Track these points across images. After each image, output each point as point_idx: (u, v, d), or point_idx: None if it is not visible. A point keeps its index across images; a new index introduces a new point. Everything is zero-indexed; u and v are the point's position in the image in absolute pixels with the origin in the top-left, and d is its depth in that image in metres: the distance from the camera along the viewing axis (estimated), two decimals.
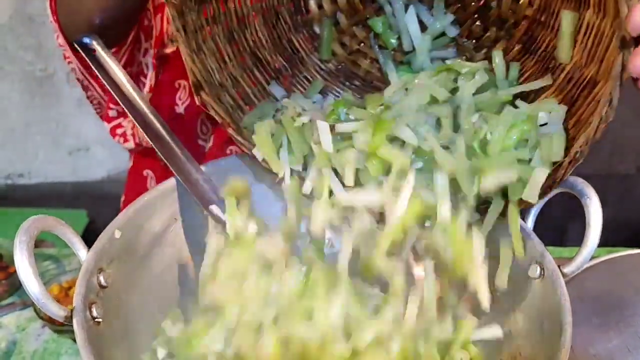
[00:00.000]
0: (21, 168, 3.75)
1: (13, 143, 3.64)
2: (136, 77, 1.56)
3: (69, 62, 1.49)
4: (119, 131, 1.69)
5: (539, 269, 1.11)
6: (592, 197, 1.04)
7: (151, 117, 1.21)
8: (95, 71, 1.20)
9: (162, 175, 1.64)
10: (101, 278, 1.06)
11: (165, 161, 1.22)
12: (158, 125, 1.20)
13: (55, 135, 3.63)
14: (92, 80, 1.54)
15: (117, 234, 1.13)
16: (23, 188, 3.49)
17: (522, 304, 1.13)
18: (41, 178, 3.73)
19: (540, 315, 1.08)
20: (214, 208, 1.23)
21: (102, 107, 1.65)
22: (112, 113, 1.66)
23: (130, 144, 1.68)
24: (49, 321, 1.60)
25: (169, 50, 1.48)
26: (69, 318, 0.96)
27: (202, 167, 1.24)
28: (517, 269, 1.16)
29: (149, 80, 1.55)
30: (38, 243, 1.99)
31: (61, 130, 3.62)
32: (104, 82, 1.19)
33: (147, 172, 1.81)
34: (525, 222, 1.17)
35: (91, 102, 1.66)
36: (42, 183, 3.73)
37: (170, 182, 1.25)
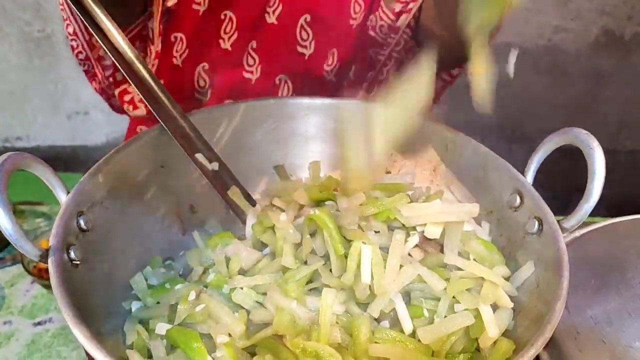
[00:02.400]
0: (19, 131, 3.71)
1: (11, 106, 3.60)
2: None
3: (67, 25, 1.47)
4: (127, 97, 1.65)
5: (537, 224, 1.06)
6: (594, 147, 1.00)
7: (136, 62, 1.16)
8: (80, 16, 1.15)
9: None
10: (81, 221, 1.02)
11: (150, 107, 1.18)
12: (143, 70, 1.16)
13: (54, 98, 3.58)
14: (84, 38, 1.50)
15: (100, 178, 1.09)
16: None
17: (520, 260, 1.09)
18: (39, 141, 3.69)
19: (537, 270, 1.03)
20: (199, 156, 1.19)
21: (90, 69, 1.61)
22: (118, 76, 1.62)
23: (142, 111, 1.65)
24: (38, 277, 1.58)
25: (170, 3, 1.43)
26: (44, 258, 0.93)
27: (189, 116, 1.21)
28: (516, 224, 1.12)
29: (155, 46, 1.51)
30: (35, 204, 1.97)
31: (60, 93, 3.57)
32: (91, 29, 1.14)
33: (141, 128, 1.76)
34: (525, 176, 1.13)
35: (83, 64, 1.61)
36: (41, 146, 3.70)
37: (157, 129, 1.20)
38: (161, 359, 0.95)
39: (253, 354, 0.97)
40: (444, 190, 1.25)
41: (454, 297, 1.01)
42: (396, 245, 1.03)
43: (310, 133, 1.34)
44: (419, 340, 0.96)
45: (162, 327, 1.00)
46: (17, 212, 1.53)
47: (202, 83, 1.62)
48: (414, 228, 1.08)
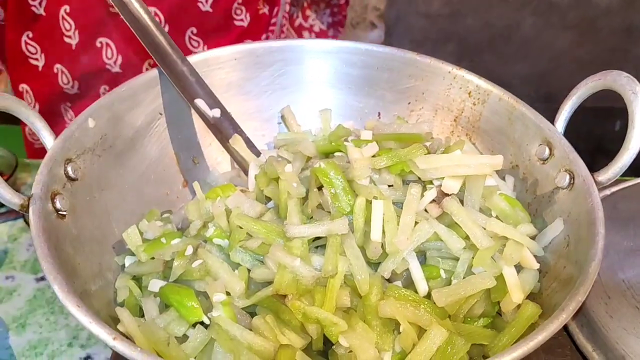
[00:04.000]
0: None
1: None
2: None
3: None
4: None
5: (568, 177, 0.97)
6: (637, 92, 0.89)
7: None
8: None
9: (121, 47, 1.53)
10: (69, 169, 0.94)
11: (147, 48, 1.09)
12: (138, 7, 1.07)
13: None
14: None
15: (91, 123, 1.00)
16: None
17: (547, 217, 1.00)
18: None
19: (567, 228, 0.94)
20: (199, 102, 1.10)
21: None
22: None
23: None
24: None
25: None
26: (26, 207, 0.85)
27: (189, 59, 1.12)
28: (544, 178, 1.02)
29: None
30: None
31: None
32: None
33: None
34: (554, 125, 1.02)
35: None
36: None
37: (153, 73, 1.11)
38: (153, 318, 0.87)
39: (253, 314, 0.89)
40: (465, 141, 1.15)
41: (473, 257, 0.92)
42: (411, 200, 0.93)
43: (321, 79, 1.24)
44: (434, 303, 0.87)
45: (155, 284, 0.92)
46: (20, 165, 1.46)
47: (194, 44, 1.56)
48: (431, 182, 0.99)
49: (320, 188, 0.97)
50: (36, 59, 1.55)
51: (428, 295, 0.90)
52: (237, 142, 1.12)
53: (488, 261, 0.89)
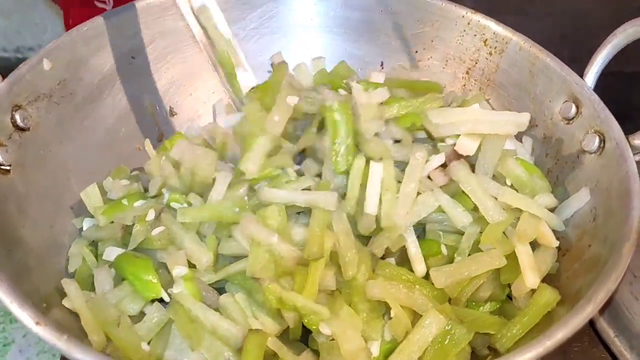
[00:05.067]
0: (31, 41, 3.50)
1: (21, 14, 3.37)
2: None
3: None
4: None
5: (597, 139, 0.82)
6: None
7: None
8: None
9: None
10: (17, 117, 0.82)
11: None
12: None
13: None
14: None
15: (47, 65, 0.87)
16: None
17: (570, 186, 0.86)
18: None
19: (595, 199, 0.80)
20: None
21: None
22: None
23: None
24: None
25: None
26: None
27: None
28: (568, 140, 0.88)
29: None
30: None
31: None
32: None
33: None
34: (584, 79, 0.88)
35: None
36: None
37: (126, 10, 0.97)
38: (105, 293, 0.75)
39: (222, 292, 0.77)
40: (478, 95, 1.01)
41: (481, 231, 0.78)
42: (415, 165, 0.79)
43: (316, 23, 1.09)
44: (432, 284, 0.74)
45: (111, 252, 0.80)
46: None
47: None
48: (442, 140, 0.85)
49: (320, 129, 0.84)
50: None
51: (426, 276, 0.77)
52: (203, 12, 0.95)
53: (499, 237, 0.76)
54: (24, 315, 0.58)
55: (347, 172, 0.80)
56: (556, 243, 0.79)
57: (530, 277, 0.74)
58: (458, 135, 0.84)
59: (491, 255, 0.75)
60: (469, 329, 0.70)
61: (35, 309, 0.59)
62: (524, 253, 0.76)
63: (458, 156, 0.85)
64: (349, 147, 0.80)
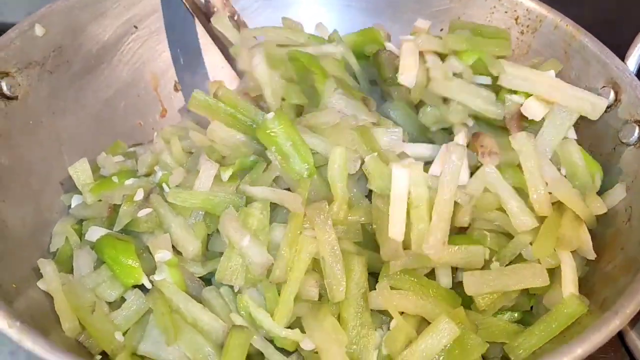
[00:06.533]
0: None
1: None
2: None
3: None
4: None
5: (638, 130, 0.74)
6: None
7: None
8: None
9: None
10: (3, 85, 0.76)
11: None
12: None
13: None
14: None
15: (39, 31, 0.81)
16: None
17: (605, 181, 0.77)
18: None
19: (631, 197, 0.71)
20: None
21: None
22: None
23: None
24: None
25: None
26: None
27: None
28: (603, 131, 0.79)
29: None
30: None
31: None
32: None
33: None
34: (626, 62, 0.79)
35: None
36: None
37: None
38: (82, 277, 0.69)
39: (210, 283, 0.70)
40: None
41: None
42: (451, 173, 0.67)
43: None
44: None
45: (94, 233, 0.74)
46: None
47: None
48: (511, 92, 0.78)
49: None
50: None
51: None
52: (219, 22, 0.91)
53: (551, 250, 0.67)
54: None
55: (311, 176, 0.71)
56: (594, 256, 0.71)
57: (569, 288, 0.66)
58: (527, 96, 0.77)
59: (534, 271, 0.66)
60: (484, 337, 0.63)
61: None
62: (567, 263, 0.68)
63: (518, 119, 0.77)
64: (298, 151, 0.71)
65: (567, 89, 0.76)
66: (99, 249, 0.70)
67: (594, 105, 0.75)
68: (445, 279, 0.69)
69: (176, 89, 1.00)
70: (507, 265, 0.69)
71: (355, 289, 0.64)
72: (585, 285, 0.69)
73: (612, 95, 0.78)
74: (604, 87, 0.79)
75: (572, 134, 0.80)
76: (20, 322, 0.51)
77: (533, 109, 0.75)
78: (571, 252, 0.70)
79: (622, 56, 0.81)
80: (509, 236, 0.71)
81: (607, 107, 0.78)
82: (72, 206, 0.81)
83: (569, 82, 0.84)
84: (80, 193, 0.82)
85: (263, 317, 0.63)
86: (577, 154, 0.76)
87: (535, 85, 0.75)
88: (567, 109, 0.75)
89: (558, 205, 0.71)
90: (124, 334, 0.65)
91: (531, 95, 0.76)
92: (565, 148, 0.76)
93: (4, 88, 0.76)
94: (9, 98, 0.77)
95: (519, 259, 0.69)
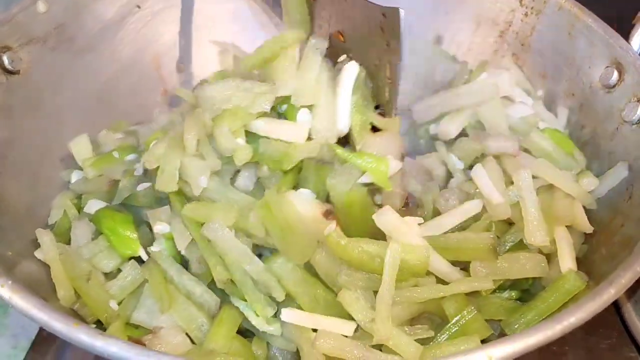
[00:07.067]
0: None
1: None
2: None
3: None
4: None
5: None
6: None
7: None
8: None
9: None
10: (5, 59, 0.76)
11: None
12: None
13: None
14: None
15: (42, 7, 0.81)
16: None
17: (606, 161, 0.76)
18: None
19: (633, 175, 0.70)
20: None
21: None
22: None
23: None
24: None
25: None
26: None
27: None
28: (606, 110, 0.78)
29: None
30: None
31: None
32: None
33: None
34: (629, 42, 0.78)
35: None
36: None
37: None
38: (79, 247, 0.69)
39: None
40: (509, 62, 0.92)
41: None
42: None
43: None
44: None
45: (93, 205, 0.74)
46: None
47: None
48: None
49: None
50: None
51: None
52: None
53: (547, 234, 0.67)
54: None
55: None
56: (590, 229, 0.70)
57: (568, 264, 0.66)
58: None
59: (535, 261, 0.67)
60: (483, 315, 0.63)
61: None
62: (563, 239, 0.68)
63: None
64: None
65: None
66: (97, 221, 0.70)
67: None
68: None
69: (179, 70, 1.00)
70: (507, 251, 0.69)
71: None
72: (584, 264, 0.68)
73: (615, 74, 0.77)
74: (607, 67, 0.78)
75: (526, 110, 0.82)
76: (12, 281, 0.51)
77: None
78: (568, 230, 0.70)
79: (625, 31, 0.80)
80: (511, 223, 0.71)
81: (611, 87, 0.78)
82: (72, 181, 0.81)
83: (572, 62, 0.85)
84: (79, 169, 0.82)
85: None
86: (544, 141, 0.76)
87: None
88: None
89: (547, 188, 0.72)
90: (118, 304, 0.65)
91: None
92: (533, 142, 0.76)
93: (6, 62, 0.76)
94: (11, 72, 0.77)
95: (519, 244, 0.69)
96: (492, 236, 0.66)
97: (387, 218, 0.64)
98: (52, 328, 0.48)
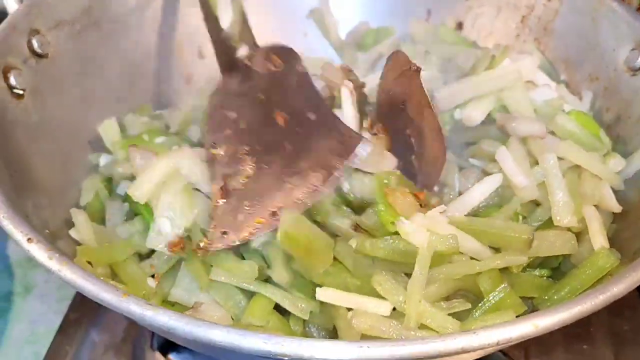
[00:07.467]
0: None
1: None
2: None
3: None
4: None
5: None
6: None
7: None
8: None
9: None
10: (34, 42, 0.77)
11: None
12: None
13: None
14: None
15: None
16: None
17: (632, 144, 0.77)
18: None
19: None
20: None
21: None
22: None
23: None
24: None
25: None
26: None
27: None
28: (632, 94, 0.79)
29: None
30: None
31: None
32: None
33: None
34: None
35: None
36: None
37: None
38: (115, 227, 0.70)
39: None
40: (532, 47, 0.92)
41: None
42: None
43: None
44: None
45: (125, 187, 0.74)
46: None
47: None
48: None
49: None
50: None
51: None
52: None
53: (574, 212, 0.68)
54: (16, 232, 0.53)
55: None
56: (619, 208, 0.71)
57: (600, 241, 0.66)
58: None
59: (565, 239, 0.66)
60: (517, 293, 0.63)
61: (28, 225, 0.54)
62: (593, 217, 0.68)
63: None
64: None
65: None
66: (133, 201, 0.70)
67: None
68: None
69: (200, 56, 1.01)
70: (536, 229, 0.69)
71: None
72: (614, 244, 0.69)
73: None
74: (633, 49, 0.79)
75: (550, 93, 0.82)
76: (59, 254, 0.51)
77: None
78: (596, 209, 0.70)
79: None
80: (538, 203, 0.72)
81: (636, 70, 0.78)
82: (101, 164, 0.81)
83: (596, 46, 0.85)
84: (107, 152, 0.83)
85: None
86: (570, 123, 0.76)
87: None
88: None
89: (574, 169, 0.73)
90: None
91: None
92: (558, 125, 0.76)
93: (35, 45, 0.77)
94: (40, 56, 0.77)
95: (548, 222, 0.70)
96: (530, 229, 0.66)
97: (407, 228, 0.63)
98: (101, 299, 0.49)
